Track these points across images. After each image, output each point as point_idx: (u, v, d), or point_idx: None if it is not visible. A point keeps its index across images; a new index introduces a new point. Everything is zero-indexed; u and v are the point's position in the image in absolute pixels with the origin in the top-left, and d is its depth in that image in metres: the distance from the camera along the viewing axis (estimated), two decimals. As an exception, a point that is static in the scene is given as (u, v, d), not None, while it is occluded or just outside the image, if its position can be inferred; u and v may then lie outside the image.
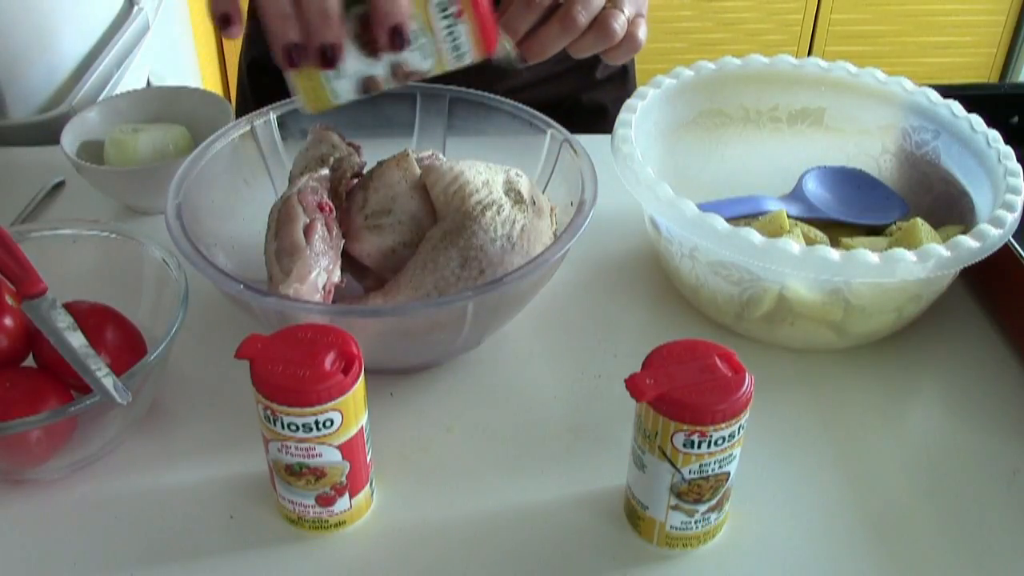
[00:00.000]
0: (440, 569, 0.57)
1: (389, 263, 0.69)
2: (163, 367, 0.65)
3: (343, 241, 0.68)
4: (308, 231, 0.64)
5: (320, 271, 0.63)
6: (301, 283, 0.62)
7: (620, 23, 0.66)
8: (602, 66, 1.02)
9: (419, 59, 0.60)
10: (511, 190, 0.69)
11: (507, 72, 0.83)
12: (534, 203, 0.69)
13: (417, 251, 0.67)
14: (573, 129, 0.75)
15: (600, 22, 0.66)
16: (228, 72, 2.28)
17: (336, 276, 0.65)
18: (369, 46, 0.59)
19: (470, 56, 0.61)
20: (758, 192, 0.80)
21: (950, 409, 0.69)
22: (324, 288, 0.64)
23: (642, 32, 0.69)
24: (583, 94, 1.03)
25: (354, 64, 0.60)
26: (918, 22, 2.41)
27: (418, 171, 0.69)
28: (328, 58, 0.58)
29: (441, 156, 0.73)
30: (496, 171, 0.70)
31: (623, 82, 1.06)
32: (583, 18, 0.66)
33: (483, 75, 0.77)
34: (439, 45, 0.60)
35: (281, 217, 0.65)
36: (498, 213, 0.67)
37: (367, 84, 0.61)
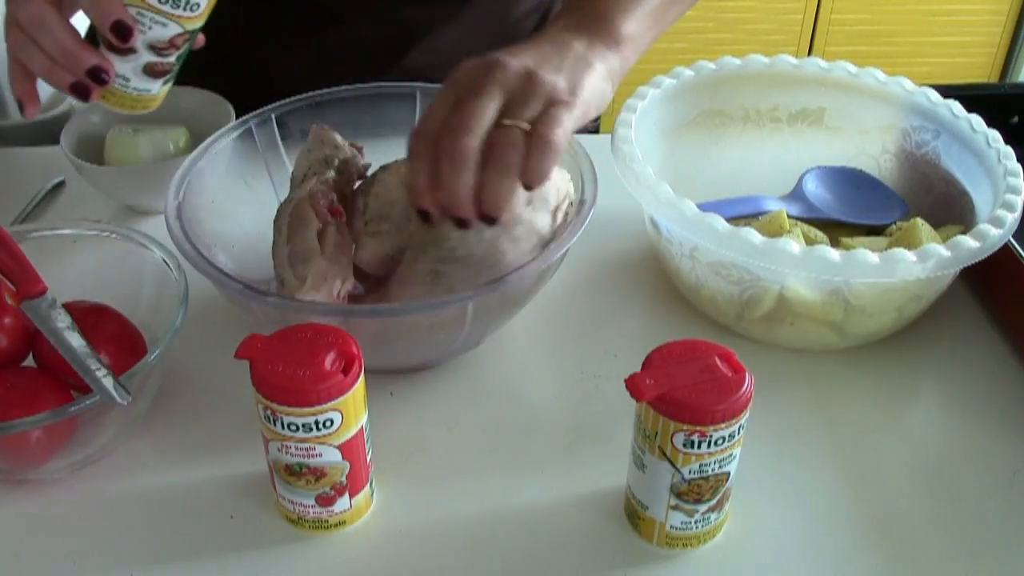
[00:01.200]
0: (440, 569, 0.57)
1: (387, 269, 0.69)
2: (163, 367, 0.65)
3: (353, 246, 0.67)
4: (321, 236, 0.64)
5: (335, 278, 0.63)
6: (317, 290, 0.62)
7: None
8: None
9: (162, 30, 0.63)
10: None
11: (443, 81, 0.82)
12: (529, 203, 0.65)
13: (400, 264, 0.68)
14: (587, 134, 0.74)
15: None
16: (228, 72, 2.27)
17: (350, 284, 0.65)
18: (118, 49, 0.63)
19: (204, 2, 0.63)
20: (758, 192, 0.80)
21: (950, 409, 0.69)
22: (338, 296, 0.63)
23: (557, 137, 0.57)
24: None
25: (124, 66, 0.64)
26: (918, 22, 2.41)
27: None
28: (101, 78, 0.63)
29: None
30: None
31: None
32: (514, 152, 0.57)
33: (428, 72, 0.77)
34: (164, 9, 0.62)
35: (293, 221, 0.65)
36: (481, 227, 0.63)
37: (152, 70, 0.65)
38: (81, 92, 0.63)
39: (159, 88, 0.66)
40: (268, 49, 0.93)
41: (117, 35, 0.61)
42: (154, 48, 0.63)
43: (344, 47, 0.92)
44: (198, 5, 0.62)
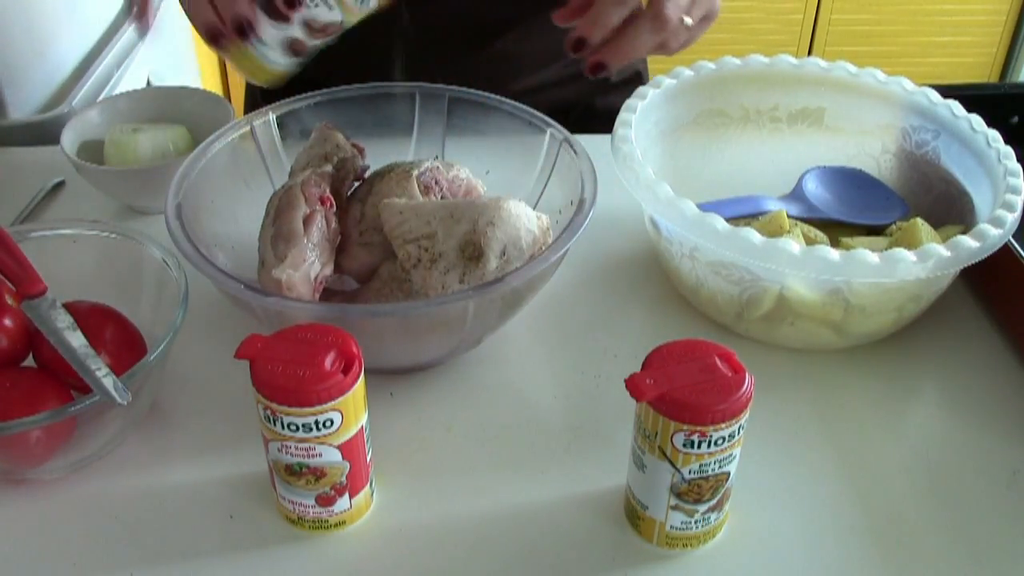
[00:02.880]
0: (440, 569, 0.57)
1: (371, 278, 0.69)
2: (163, 367, 0.65)
3: (339, 237, 0.68)
4: (308, 221, 0.64)
5: (314, 261, 0.63)
6: (295, 270, 0.62)
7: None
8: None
9: (326, 12, 0.63)
10: (469, 244, 0.64)
11: (529, 69, 0.83)
12: (503, 255, 0.64)
13: (370, 282, 0.68)
14: (591, 134, 0.74)
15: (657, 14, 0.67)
16: (228, 72, 2.28)
17: (329, 270, 0.65)
18: (276, 13, 0.62)
19: (374, 0, 0.63)
20: (758, 192, 0.80)
21: (950, 409, 0.69)
22: (316, 279, 0.64)
23: (688, 20, 0.70)
24: (597, 98, 1.02)
25: (271, 31, 0.63)
26: (918, 22, 2.41)
27: (418, 192, 0.69)
28: (243, 30, 0.62)
29: (440, 169, 0.72)
30: (468, 219, 0.64)
31: (637, 85, 1.05)
32: (673, 14, 0.66)
33: (495, 76, 0.77)
34: None
35: (281, 204, 0.65)
36: (430, 267, 0.64)
37: (292, 46, 0.64)
38: (216, 35, 0.63)
39: (286, 66, 0.65)
40: (367, 21, 0.93)
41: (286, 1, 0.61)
42: (308, 26, 0.62)
43: (434, 24, 0.92)
44: (369, 3, 0.62)
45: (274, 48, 0.64)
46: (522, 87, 0.93)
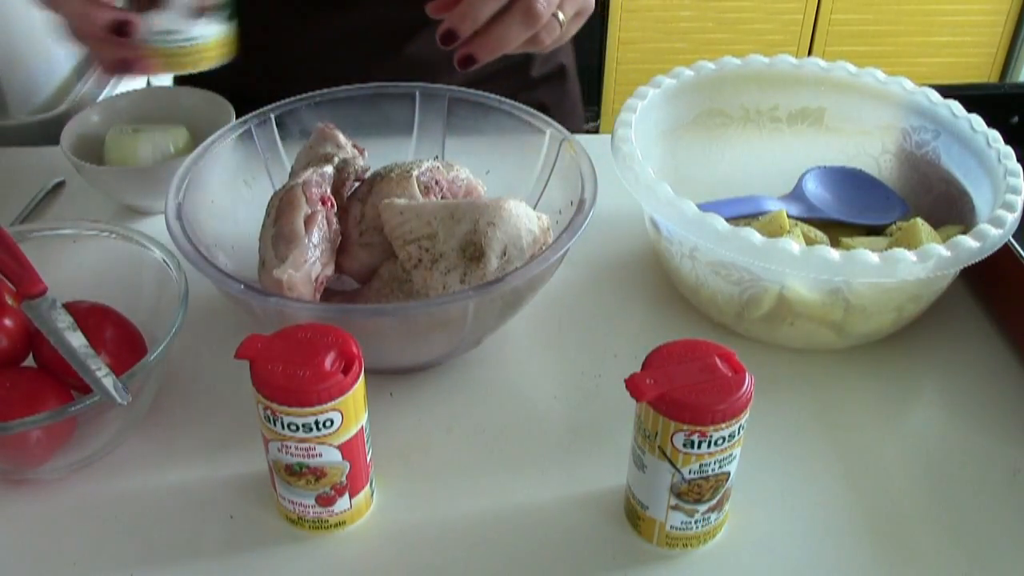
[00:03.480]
0: (440, 569, 0.57)
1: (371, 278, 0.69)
2: (163, 367, 0.65)
3: (340, 238, 0.68)
4: (309, 221, 0.64)
5: (315, 262, 0.63)
6: (296, 270, 0.62)
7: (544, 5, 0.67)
8: (537, 63, 1.00)
9: None
10: (470, 244, 0.64)
11: (444, 73, 0.83)
12: (503, 255, 0.64)
13: (370, 282, 0.68)
14: (587, 135, 0.74)
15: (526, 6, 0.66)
16: (228, 72, 2.27)
17: (330, 270, 0.65)
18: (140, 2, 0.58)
19: None
20: (758, 192, 0.80)
21: (950, 409, 0.69)
22: (316, 280, 0.64)
23: (561, 16, 0.69)
24: (520, 94, 1.01)
25: (162, 18, 0.58)
26: (918, 22, 2.41)
27: (419, 194, 0.69)
28: (123, 31, 0.58)
29: (440, 170, 0.72)
30: (468, 220, 0.65)
31: (562, 80, 1.04)
32: (544, 9, 0.65)
33: (404, 79, 0.77)
34: None
35: (282, 204, 0.65)
36: (430, 268, 0.64)
37: (196, 10, 0.59)
38: (120, 66, 0.59)
39: (213, 32, 0.59)
40: (277, 30, 0.92)
41: None
42: None
43: (351, 32, 0.91)
44: None
45: (182, 26, 0.58)
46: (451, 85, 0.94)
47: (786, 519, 0.60)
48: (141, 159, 0.83)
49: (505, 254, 0.64)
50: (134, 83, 1.29)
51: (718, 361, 0.54)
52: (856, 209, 0.80)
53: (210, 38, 0.59)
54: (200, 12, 0.58)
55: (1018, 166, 0.71)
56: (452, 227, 0.65)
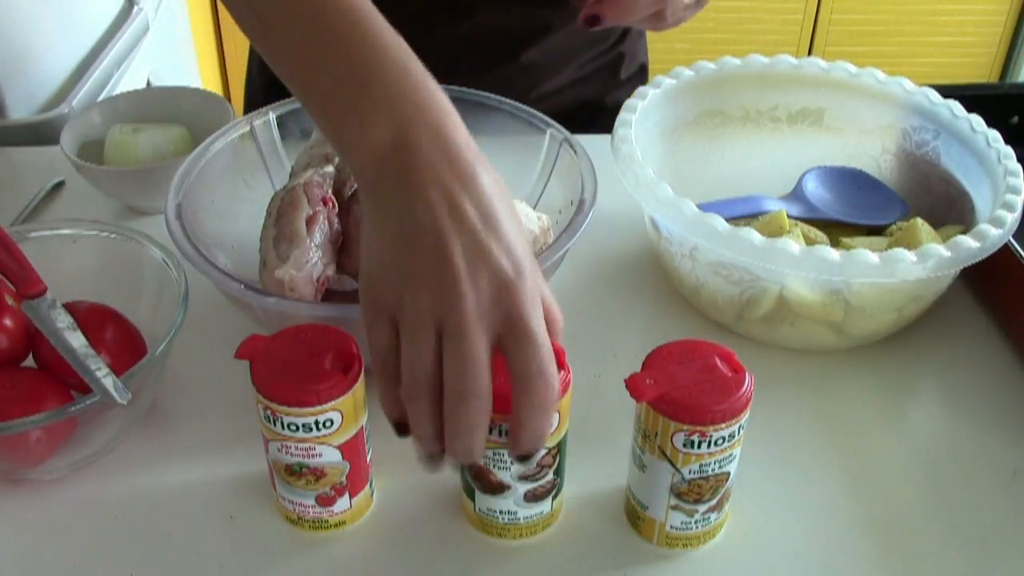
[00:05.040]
0: (440, 569, 0.57)
1: None
2: (163, 367, 0.65)
3: (341, 238, 0.68)
4: (310, 221, 0.64)
5: (316, 262, 0.63)
6: (298, 270, 0.62)
7: None
8: (625, 64, 1.02)
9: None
10: None
11: (540, 80, 0.83)
12: None
13: None
14: (599, 131, 0.74)
15: None
16: (228, 72, 2.28)
17: (331, 270, 0.65)
18: (490, 490, 0.55)
19: None
20: (758, 192, 0.80)
21: (950, 409, 0.69)
22: (318, 280, 0.64)
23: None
24: (607, 96, 1.02)
25: (503, 503, 0.56)
26: (918, 22, 2.41)
27: None
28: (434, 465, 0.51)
29: None
30: None
31: (643, 80, 1.05)
32: None
33: (516, 84, 0.77)
34: None
35: (284, 204, 0.65)
36: None
37: (534, 496, 0.56)
38: (433, 463, 0.50)
39: (551, 505, 0.58)
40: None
41: (520, 459, 0.50)
42: (525, 478, 0.55)
43: (468, 39, 0.92)
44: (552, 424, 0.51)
45: (523, 507, 0.56)
46: (540, 93, 0.94)
47: (786, 519, 0.60)
48: (141, 159, 0.83)
49: None
50: (134, 83, 1.29)
51: (718, 361, 0.54)
52: (856, 209, 0.80)
53: (549, 510, 0.58)
54: (539, 497, 0.57)
55: (1018, 166, 0.71)
56: None
